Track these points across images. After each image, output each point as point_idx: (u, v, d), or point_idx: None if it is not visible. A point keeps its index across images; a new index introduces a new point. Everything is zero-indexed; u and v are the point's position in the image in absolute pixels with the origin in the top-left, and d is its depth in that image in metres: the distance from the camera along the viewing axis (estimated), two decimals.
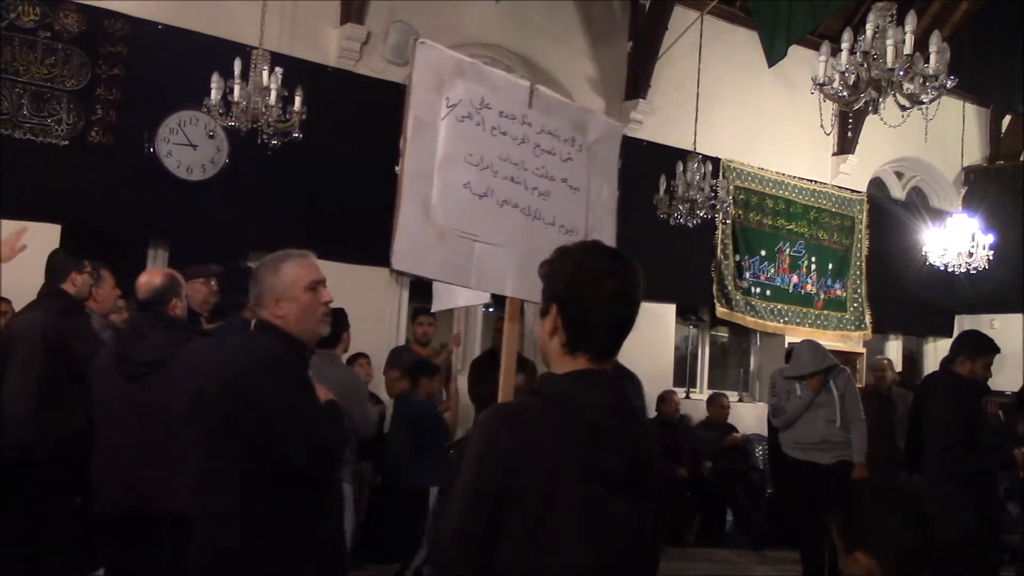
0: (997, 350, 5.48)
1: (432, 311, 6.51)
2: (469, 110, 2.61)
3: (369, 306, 7.46)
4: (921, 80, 5.06)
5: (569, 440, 1.85)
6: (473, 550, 1.88)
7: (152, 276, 4.29)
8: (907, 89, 5.06)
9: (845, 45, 5.11)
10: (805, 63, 8.46)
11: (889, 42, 4.90)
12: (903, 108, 5.19)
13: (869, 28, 5.05)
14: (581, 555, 1.84)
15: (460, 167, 2.58)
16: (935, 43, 5.02)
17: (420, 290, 8.27)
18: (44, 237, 6.54)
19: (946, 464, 4.89)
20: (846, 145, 10.91)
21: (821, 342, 7.37)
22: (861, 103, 5.17)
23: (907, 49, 4.95)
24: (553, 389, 1.93)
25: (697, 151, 8.57)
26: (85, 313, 5.19)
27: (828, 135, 8.61)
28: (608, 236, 2.82)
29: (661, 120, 9.38)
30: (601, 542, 1.85)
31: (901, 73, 4.88)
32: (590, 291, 1.92)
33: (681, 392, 9.64)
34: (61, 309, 4.91)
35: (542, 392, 1.95)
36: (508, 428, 1.88)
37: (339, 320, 5.49)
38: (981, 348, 5.47)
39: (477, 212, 2.59)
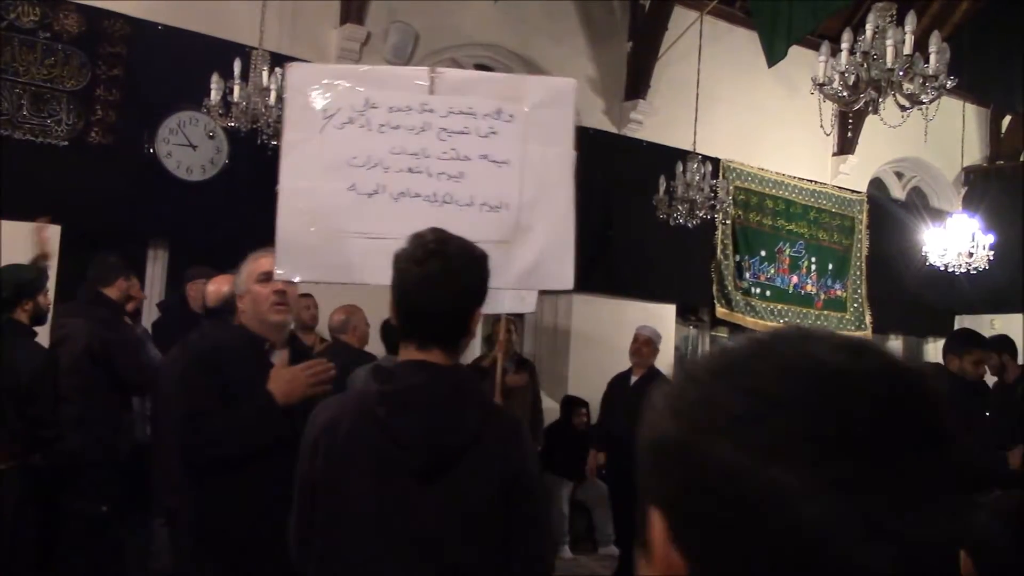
0: (985, 346, 5.49)
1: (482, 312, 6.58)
2: (350, 115, 2.64)
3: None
4: (921, 80, 5.06)
5: (362, 431, 1.94)
6: (301, 535, 2.02)
7: (220, 284, 4.34)
8: (907, 89, 5.06)
9: (845, 45, 5.11)
10: (805, 63, 8.45)
11: (889, 42, 4.89)
12: (903, 108, 5.20)
13: (869, 28, 5.05)
14: (372, 545, 1.90)
15: (343, 172, 2.62)
16: (935, 43, 5.02)
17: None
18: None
19: None
20: (846, 145, 10.91)
21: None
22: (861, 103, 5.17)
23: (907, 49, 4.95)
24: (376, 379, 2.02)
25: (697, 151, 8.56)
26: (127, 322, 5.29)
27: (828, 135, 8.60)
28: (561, 201, 2.72)
29: (661, 120, 9.38)
30: (396, 532, 1.90)
31: (901, 73, 4.88)
32: (406, 279, 2.00)
33: None
34: (106, 319, 4.98)
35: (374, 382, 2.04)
36: (320, 416, 2.01)
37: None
38: (967, 344, 5.51)
39: (366, 211, 2.62)
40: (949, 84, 5.01)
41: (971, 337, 5.54)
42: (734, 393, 0.66)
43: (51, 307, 4.87)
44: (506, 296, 6.35)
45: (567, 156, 2.76)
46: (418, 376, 1.97)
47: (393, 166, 2.66)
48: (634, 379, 6.79)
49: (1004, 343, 7.12)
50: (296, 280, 2.73)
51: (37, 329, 4.59)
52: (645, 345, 6.83)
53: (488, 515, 1.95)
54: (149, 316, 7.01)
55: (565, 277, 2.72)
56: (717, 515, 0.64)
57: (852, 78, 5.01)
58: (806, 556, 0.60)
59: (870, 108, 5.19)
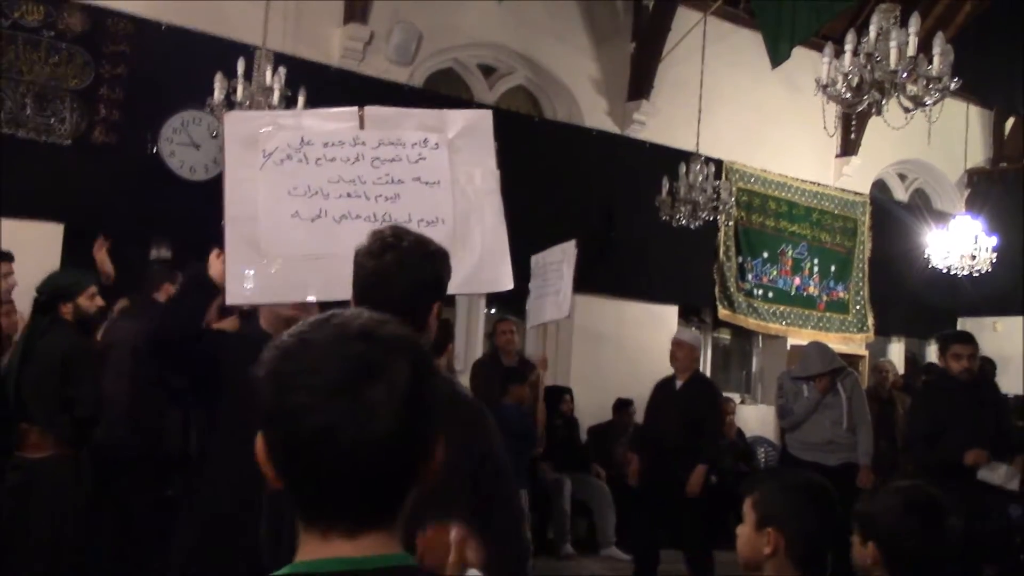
0: (964, 340, 5.55)
1: (528, 327, 6.67)
2: (288, 152, 2.89)
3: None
4: (924, 82, 5.06)
5: None
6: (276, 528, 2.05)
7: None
8: (910, 91, 5.06)
9: (848, 47, 5.11)
10: (808, 65, 8.44)
11: (892, 44, 4.89)
12: (906, 110, 5.19)
13: (872, 30, 5.05)
14: None
15: (285, 201, 2.85)
16: (938, 45, 5.01)
17: (495, 298, 8.38)
18: (47, 236, 6.56)
19: (910, 457, 4.99)
20: (849, 147, 10.90)
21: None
22: (864, 105, 5.17)
23: (911, 51, 4.95)
24: None
25: (700, 152, 8.56)
26: None
27: (831, 137, 8.61)
28: (492, 212, 2.96)
29: (664, 121, 9.38)
30: None
31: (904, 75, 4.88)
32: (363, 272, 2.09)
33: None
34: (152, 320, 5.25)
35: None
36: None
37: (444, 331, 5.71)
38: (947, 341, 5.65)
39: (312, 234, 2.84)
40: (953, 86, 5.01)
41: (951, 334, 5.71)
42: None
43: (99, 311, 5.16)
44: (546, 306, 6.46)
45: (492, 174, 3.01)
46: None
47: (332, 193, 2.88)
48: (679, 383, 6.75)
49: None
50: (247, 303, 2.97)
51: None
52: (683, 350, 6.77)
53: (458, 500, 1.94)
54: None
55: (504, 279, 2.96)
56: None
57: (856, 79, 5.01)
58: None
59: (873, 109, 5.19)
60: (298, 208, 2.86)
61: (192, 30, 7.01)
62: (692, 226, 8.25)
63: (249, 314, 4.23)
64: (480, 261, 2.91)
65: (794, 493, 2.26)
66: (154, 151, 6.89)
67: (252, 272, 2.82)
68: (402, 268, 2.06)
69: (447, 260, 2.17)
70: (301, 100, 6.34)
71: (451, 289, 2.36)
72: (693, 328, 8.65)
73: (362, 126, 2.95)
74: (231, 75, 6.25)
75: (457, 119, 3.06)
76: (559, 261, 6.44)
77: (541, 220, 8.40)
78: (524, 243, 8.29)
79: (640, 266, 9.05)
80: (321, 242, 2.84)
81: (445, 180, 2.96)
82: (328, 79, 7.48)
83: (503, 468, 2.17)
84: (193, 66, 6.70)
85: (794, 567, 2.19)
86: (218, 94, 6.15)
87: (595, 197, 8.92)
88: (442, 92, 8.53)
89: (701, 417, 6.44)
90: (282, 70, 6.30)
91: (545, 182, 8.49)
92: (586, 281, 8.36)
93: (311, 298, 2.91)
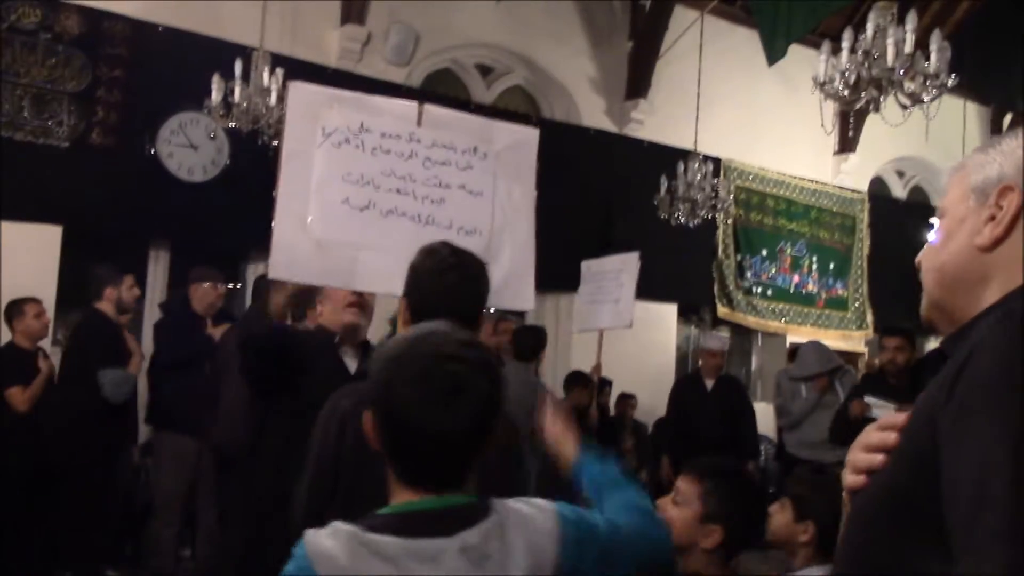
0: (895, 332, 5.61)
1: (577, 331, 6.71)
2: (347, 135, 2.92)
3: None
4: (922, 79, 5.06)
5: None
6: (315, 508, 2.28)
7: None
8: (908, 88, 5.05)
9: (846, 44, 5.11)
10: (806, 62, 8.43)
11: (890, 41, 4.89)
12: (904, 107, 5.19)
13: (870, 27, 5.05)
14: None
15: (337, 186, 2.89)
16: (936, 42, 5.01)
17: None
18: (45, 239, 6.56)
19: None
20: (847, 144, 10.90)
21: (823, 342, 7.38)
22: (862, 102, 5.17)
23: (908, 48, 4.95)
24: None
25: (698, 151, 8.56)
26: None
27: (829, 134, 8.61)
28: (524, 231, 3.07)
29: (662, 120, 9.38)
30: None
31: (902, 72, 4.87)
32: (427, 287, 2.27)
33: None
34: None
35: None
36: (344, 400, 2.42)
37: (536, 337, 5.80)
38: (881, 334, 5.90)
39: (359, 223, 2.90)
40: (950, 83, 5.01)
41: (887, 328, 5.91)
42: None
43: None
44: (602, 313, 6.54)
45: (529, 194, 3.12)
46: None
47: (383, 186, 2.93)
48: (709, 384, 7.05)
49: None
50: (288, 278, 2.98)
51: None
52: (715, 357, 7.16)
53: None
54: (151, 316, 7.02)
55: (527, 298, 3.09)
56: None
57: (853, 77, 5.01)
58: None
59: (871, 107, 5.19)
60: (349, 195, 2.90)
61: (189, 32, 7.01)
62: (691, 224, 8.25)
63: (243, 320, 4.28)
64: (507, 277, 3.00)
65: (834, 494, 2.37)
66: (152, 153, 6.89)
67: (297, 249, 2.86)
68: (465, 284, 2.27)
69: (488, 271, 2.39)
70: (400, 99, 6.32)
71: None
72: (720, 333, 8.69)
73: (419, 123, 2.99)
74: (228, 76, 6.25)
75: (507, 133, 3.15)
76: (618, 271, 6.63)
77: (540, 219, 8.40)
78: None
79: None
80: (366, 233, 2.90)
81: (488, 192, 3.04)
82: (326, 80, 7.44)
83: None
84: (191, 68, 6.70)
85: (822, 556, 2.43)
86: (216, 95, 6.14)
87: (594, 196, 8.92)
88: (440, 92, 8.52)
89: (739, 412, 6.78)
90: (279, 71, 6.29)
91: (543, 182, 8.46)
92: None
93: (350, 287, 3.07)
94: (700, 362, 7.37)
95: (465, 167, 3.02)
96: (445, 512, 1.49)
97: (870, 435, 1.28)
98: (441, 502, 1.50)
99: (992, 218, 1.20)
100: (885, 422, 1.26)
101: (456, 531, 1.46)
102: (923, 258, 1.31)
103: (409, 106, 3.02)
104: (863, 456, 1.27)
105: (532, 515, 1.54)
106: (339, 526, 1.47)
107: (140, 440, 6.29)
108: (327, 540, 1.44)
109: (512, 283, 3.01)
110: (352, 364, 3.30)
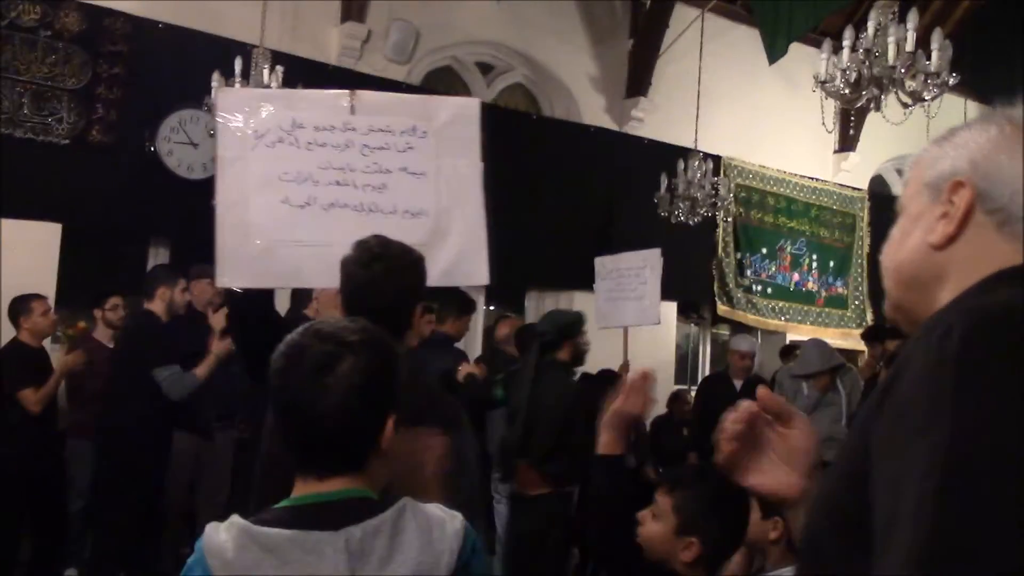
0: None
1: (599, 328, 6.75)
2: (280, 135, 2.91)
3: None
4: (923, 77, 5.05)
5: None
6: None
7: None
8: (909, 86, 5.05)
9: (847, 42, 5.10)
10: (806, 60, 8.44)
11: (891, 40, 4.88)
12: (905, 106, 5.18)
13: (871, 25, 5.04)
14: None
15: (275, 186, 2.89)
16: (937, 40, 5.01)
17: (495, 295, 8.44)
18: (44, 236, 6.56)
19: None
20: (847, 142, 10.90)
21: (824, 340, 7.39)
22: (863, 100, 5.16)
23: (909, 46, 4.94)
24: None
25: (698, 148, 8.56)
26: None
27: (830, 133, 8.60)
28: (473, 206, 3.03)
29: (662, 118, 9.37)
30: None
31: (903, 71, 4.87)
32: (354, 281, 2.26)
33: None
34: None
35: None
36: None
37: (534, 334, 5.82)
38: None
39: (301, 221, 2.90)
40: (951, 81, 5.00)
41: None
42: None
43: (587, 347, 5.38)
44: (625, 311, 6.57)
45: (475, 166, 3.06)
46: None
47: (322, 180, 2.93)
48: (738, 384, 7.19)
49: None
50: (238, 286, 2.95)
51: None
52: (747, 358, 7.39)
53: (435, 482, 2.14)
54: None
55: (481, 273, 3.05)
56: None
57: (854, 75, 5.00)
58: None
59: (872, 105, 5.18)
60: (288, 194, 2.90)
61: (189, 29, 6.99)
62: (691, 223, 8.24)
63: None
64: (459, 254, 2.98)
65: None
66: (152, 150, 6.88)
67: (242, 256, 2.86)
68: (389, 277, 2.23)
69: (424, 264, 2.34)
70: (331, 90, 6.31)
71: (429, 282, 2.44)
72: (747, 336, 8.71)
73: (353, 111, 2.98)
74: (228, 74, 6.24)
75: (446, 107, 3.09)
76: (640, 267, 6.62)
77: (540, 217, 8.42)
78: (524, 240, 8.33)
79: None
80: (310, 230, 2.89)
81: (431, 171, 3.01)
82: (326, 78, 7.46)
83: (473, 466, 2.40)
84: (191, 65, 6.69)
85: (792, 553, 2.31)
86: (215, 93, 6.13)
87: (594, 194, 8.92)
88: (440, 90, 8.51)
89: None
90: (279, 69, 6.29)
91: (544, 179, 8.49)
92: (586, 277, 8.36)
93: (299, 285, 3.04)
94: (729, 362, 7.55)
95: (404, 149, 2.99)
96: (332, 505, 1.50)
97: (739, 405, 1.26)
98: (332, 495, 1.52)
99: (945, 215, 1.16)
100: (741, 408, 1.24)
101: (342, 525, 1.47)
102: (883, 257, 1.28)
103: (340, 95, 3.01)
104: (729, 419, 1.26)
105: (440, 520, 1.56)
106: (235, 519, 1.50)
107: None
108: (222, 534, 1.48)
109: (465, 260, 2.99)
110: None
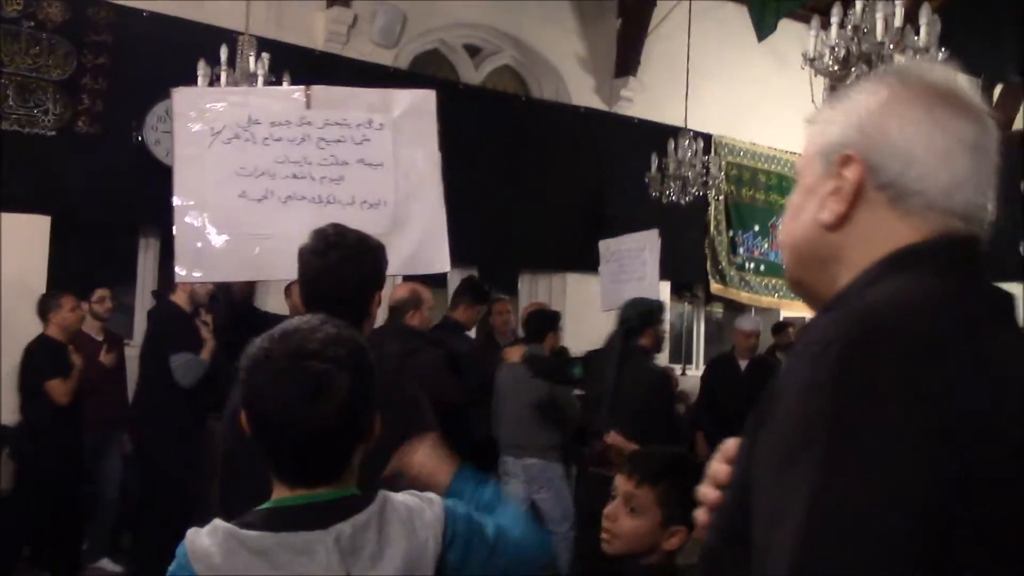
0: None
1: (603, 310, 6.78)
2: (236, 131, 2.95)
3: None
4: (912, 53, 5.04)
5: None
6: (227, 506, 2.16)
7: (397, 289, 4.82)
8: (898, 62, 5.03)
9: (835, 19, 5.08)
10: (795, 36, 8.41)
11: (879, 16, 4.87)
12: None
13: (859, 2, 5.02)
14: None
15: (233, 181, 2.92)
16: (925, 16, 4.99)
17: (487, 279, 8.39)
18: (34, 228, 6.53)
19: None
20: None
21: None
22: (852, 78, 5.14)
23: (897, 22, 4.93)
24: None
25: (688, 127, 8.53)
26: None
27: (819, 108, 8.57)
28: (432, 195, 3.06)
29: (651, 97, 9.35)
30: None
31: (891, 47, 4.86)
32: (310, 270, 2.25)
33: (678, 368, 9.65)
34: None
35: None
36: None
37: (543, 320, 5.87)
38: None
39: (259, 214, 2.92)
40: (940, 56, 4.99)
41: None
42: None
43: (666, 334, 5.52)
44: (626, 292, 6.63)
45: (433, 156, 3.09)
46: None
47: (279, 173, 2.96)
48: (743, 364, 7.23)
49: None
50: (196, 279, 3.11)
51: None
52: (752, 337, 7.34)
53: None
54: (142, 304, 7.00)
55: (442, 261, 3.08)
56: None
57: (842, 52, 4.99)
58: None
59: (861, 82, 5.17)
60: (245, 188, 2.94)
61: (174, 17, 6.94)
62: (682, 202, 8.23)
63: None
64: (420, 243, 3.01)
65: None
66: (139, 140, 6.84)
67: (201, 251, 2.91)
68: (346, 264, 2.21)
69: (384, 252, 2.32)
70: (286, 84, 6.28)
71: (390, 271, 2.45)
72: (751, 315, 8.71)
73: (309, 105, 3.01)
74: (214, 62, 6.19)
75: (402, 99, 3.11)
76: (639, 249, 6.73)
77: (532, 200, 8.40)
78: (516, 222, 8.32)
79: None
80: (268, 223, 2.92)
81: (388, 162, 3.04)
82: (313, 63, 7.42)
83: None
84: (177, 53, 6.62)
85: None
86: (201, 82, 6.08)
87: (585, 175, 8.90)
88: (428, 73, 8.47)
89: None
90: (266, 56, 6.24)
91: (534, 162, 8.47)
92: (579, 258, 8.37)
93: (259, 278, 3.07)
94: (733, 343, 7.55)
95: (361, 140, 3.00)
96: (319, 505, 1.49)
97: (711, 466, 1.17)
98: (315, 496, 1.50)
99: (836, 191, 1.06)
100: (723, 452, 1.15)
101: (330, 524, 1.45)
102: (780, 231, 1.17)
103: (296, 91, 3.05)
104: (705, 491, 1.16)
105: (418, 508, 1.54)
106: (218, 523, 1.49)
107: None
108: (205, 538, 1.46)
109: (425, 248, 3.02)
110: None
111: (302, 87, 3.06)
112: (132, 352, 6.28)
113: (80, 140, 6.62)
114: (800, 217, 1.11)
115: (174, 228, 2.92)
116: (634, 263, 6.73)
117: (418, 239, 3.01)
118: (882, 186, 1.04)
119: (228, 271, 3.00)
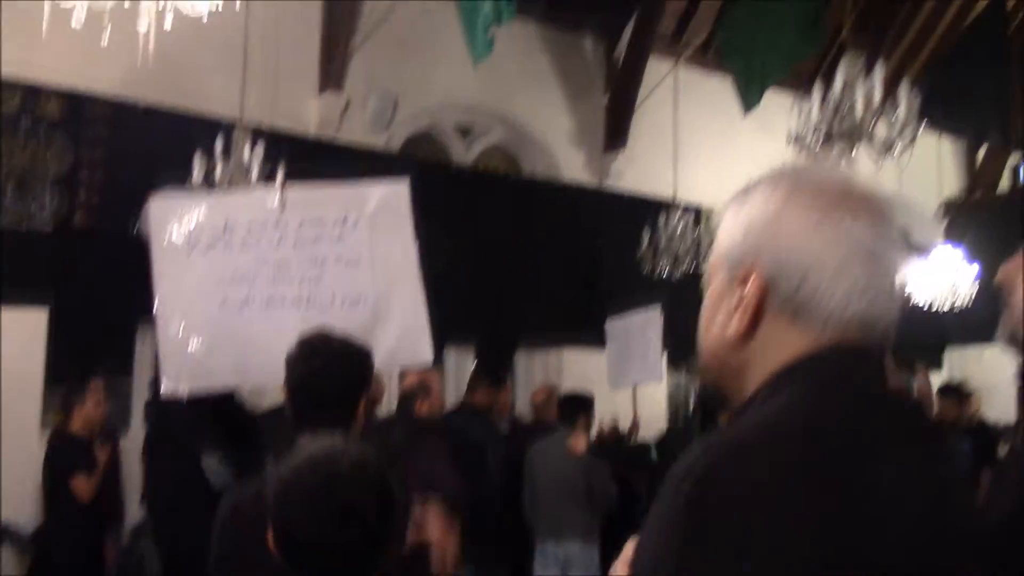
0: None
1: (611, 389, 6.79)
2: (212, 239, 2.97)
3: None
4: (893, 127, 5.14)
5: (262, 514, 2.22)
6: None
7: (406, 378, 4.83)
8: (879, 138, 5.13)
9: (816, 98, 5.19)
10: (781, 106, 8.54)
11: (859, 95, 4.98)
12: (876, 160, 5.26)
13: (839, 81, 5.14)
14: None
15: (212, 290, 2.94)
16: (904, 92, 5.10)
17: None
18: (32, 323, 6.54)
19: None
20: None
21: None
22: (835, 155, 5.24)
23: (877, 99, 5.04)
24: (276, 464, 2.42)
25: (678, 199, 8.63)
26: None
27: None
28: (410, 287, 3.08)
29: (641, 170, 9.45)
30: None
31: (871, 127, 4.96)
32: (295, 377, 2.29)
33: None
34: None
35: None
36: (225, 503, 2.36)
37: (575, 404, 5.83)
38: None
39: (240, 321, 2.94)
40: (920, 132, 5.09)
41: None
42: None
43: None
44: (631, 370, 6.66)
45: (410, 250, 3.10)
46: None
47: (258, 277, 2.98)
48: None
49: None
50: (183, 391, 3.00)
51: None
52: None
53: None
54: (139, 395, 7.00)
55: (424, 352, 3.08)
56: None
57: (825, 131, 5.09)
58: None
59: (844, 159, 5.26)
60: (227, 295, 2.96)
61: (169, 110, 7.03)
62: (674, 278, 8.28)
63: None
64: (401, 336, 3.03)
65: None
66: (136, 231, 6.88)
67: (185, 362, 2.91)
68: (331, 370, 2.27)
69: (370, 357, 2.36)
70: (279, 175, 6.35)
71: (375, 364, 2.47)
72: None
73: (284, 207, 3.05)
74: (210, 151, 6.28)
75: (375, 193, 3.15)
76: (643, 327, 6.79)
77: (526, 277, 8.46)
78: (511, 300, 8.34)
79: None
80: (250, 328, 2.94)
81: (365, 257, 3.07)
82: (306, 149, 7.52)
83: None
84: (173, 144, 6.70)
85: None
86: (197, 175, 6.17)
87: (578, 251, 8.96)
88: (420, 155, 8.60)
89: None
90: (260, 147, 6.33)
91: (528, 239, 8.55)
92: (575, 335, 8.40)
93: (244, 384, 3.13)
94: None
95: (338, 239, 3.03)
96: None
97: (614, 567, 1.15)
98: None
99: (739, 304, 1.07)
100: (624, 555, 1.13)
101: None
102: (699, 328, 1.17)
103: (269, 193, 3.08)
104: None
105: None
106: None
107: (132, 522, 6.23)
108: None
109: (407, 341, 3.04)
110: None
111: (276, 189, 3.10)
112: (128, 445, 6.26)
113: (78, 234, 6.68)
114: (711, 328, 1.12)
115: (158, 340, 2.92)
116: (637, 341, 6.76)
117: (399, 332, 3.03)
118: (782, 302, 1.04)
119: (214, 380, 2.99)
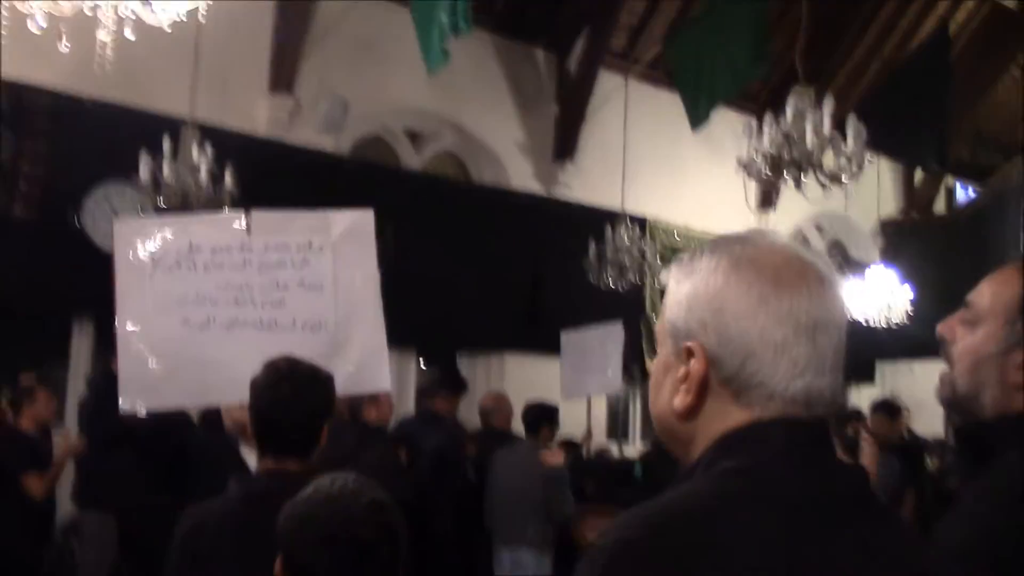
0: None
1: (565, 399, 6.79)
2: (177, 259, 3.00)
3: None
4: (840, 158, 5.26)
5: (226, 532, 2.29)
6: None
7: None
8: (827, 167, 5.25)
9: (767, 127, 5.29)
10: (728, 122, 8.68)
11: (808, 126, 5.09)
12: (824, 186, 5.38)
13: (789, 111, 5.24)
14: None
15: (174, 310, 2.96)
16: (852, 126, 5.23)
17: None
18: None
19: None
20: (767, 200, 11.19)
21: None
22: (784, 182, 5.35)
23: (826, 130, 5.15)
24: (238, 485, 2.39)
25: (625, 210, 8.72)
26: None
27: (751, 210, 8.80)
28: (371, 316, 3.12)
29: (589, 181, 9.54)
30: None
31: (820, 156, 5.07)
32: (261, 402, 2.35)
33: (614, 447, 9.72)
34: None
35: None
36: (184, 523, 2.40)
37: (538, 413, 5.79)
38: None
39: (201, 341, 2.97)
40: (867, 163, 5.22)
41: None
42: None
43: None
44: (587, 382, 6.68)
45: (372, 278, 3.14)
46: (275, 483, 2.25)
47: (221, 299, 3.01)
48: None
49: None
50: (141, 408, 3.02)
51: None
52: None
53: None
54: (75, 391, 6.88)
55: (382, 380, 3.15)
56: None
57: (772, 158, 5.19)
58: None
59: (792, 186, 5.37)
60: (188, 316, 2.97)
61: (116, 105, 6.90)
62: (620, 288, 8.37)
63: None
64: (360, 363, 3.06)
65: None
66: (77, 225, 6.76)
67: (146, 380, 2.92)
68: (298, 396, 2.33)
69: (333, 383, 2.43)
70: (228, 177, 6.30)
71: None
72: None
73: (249, 231, 3.06)
74: (156, 149, 6.18)
75: (341, 220, 3.17)
76: (602, 341, 6.81)
77: (470, 282, 8.46)
78: (454, 304, 8.34)
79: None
80: (211, 349, 2.96)
81: (328, 284, 3.09)
82: (255, 149, 7.45)
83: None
84: (117, 140, 6.61)
85: None
86: (144, 172, 6.07)
87: (524, 258, 9.00)
88: (369, 158, 8.56)
89: None
90: (208, 147, 6.25)
91: (474, 245, 8.56)
92: (517, 340, 8.43)
93: (204, 404, 3.26)
94: None
95: (301, 264, 3.07)
96: None
97: None
98: None
99: (684, 379, 1.08)
100: None
101: None
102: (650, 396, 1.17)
103: (236, 217, 3.10)
104: None
105: None
106: None
107: (62, 519, 6.12)
108: None
109: (366, 368, 3.08)
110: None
111: (241, 214, 3.11)
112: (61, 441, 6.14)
113: (16, 226, 6.53)
114: (660, 397, 1.13)
115: (118, 359, 2.91)
116: (596, 354, 6.79)
117: (358, 359, 3.06)
118: (725, 380, 1.05)
119: (173, 399, 3.02)
